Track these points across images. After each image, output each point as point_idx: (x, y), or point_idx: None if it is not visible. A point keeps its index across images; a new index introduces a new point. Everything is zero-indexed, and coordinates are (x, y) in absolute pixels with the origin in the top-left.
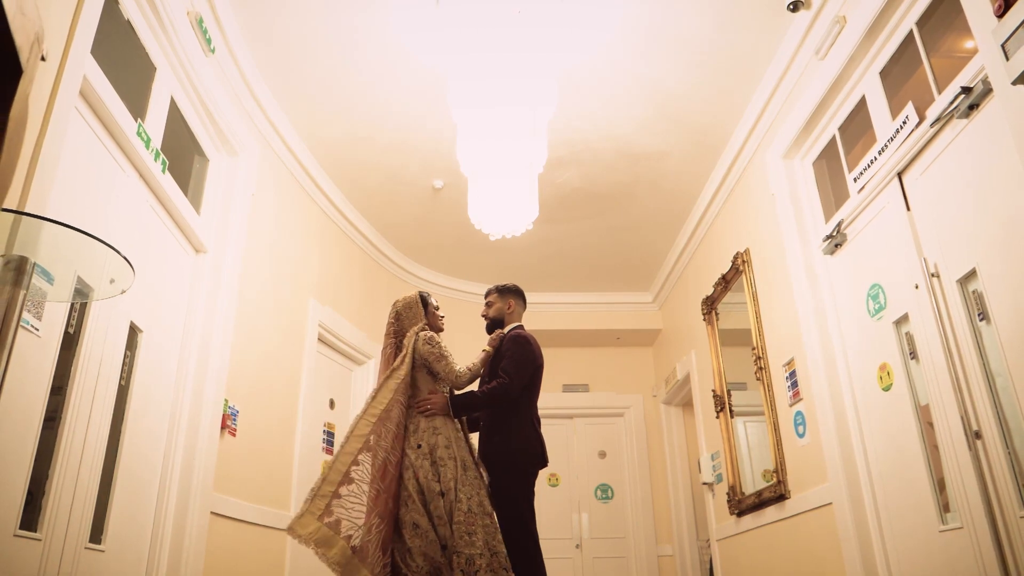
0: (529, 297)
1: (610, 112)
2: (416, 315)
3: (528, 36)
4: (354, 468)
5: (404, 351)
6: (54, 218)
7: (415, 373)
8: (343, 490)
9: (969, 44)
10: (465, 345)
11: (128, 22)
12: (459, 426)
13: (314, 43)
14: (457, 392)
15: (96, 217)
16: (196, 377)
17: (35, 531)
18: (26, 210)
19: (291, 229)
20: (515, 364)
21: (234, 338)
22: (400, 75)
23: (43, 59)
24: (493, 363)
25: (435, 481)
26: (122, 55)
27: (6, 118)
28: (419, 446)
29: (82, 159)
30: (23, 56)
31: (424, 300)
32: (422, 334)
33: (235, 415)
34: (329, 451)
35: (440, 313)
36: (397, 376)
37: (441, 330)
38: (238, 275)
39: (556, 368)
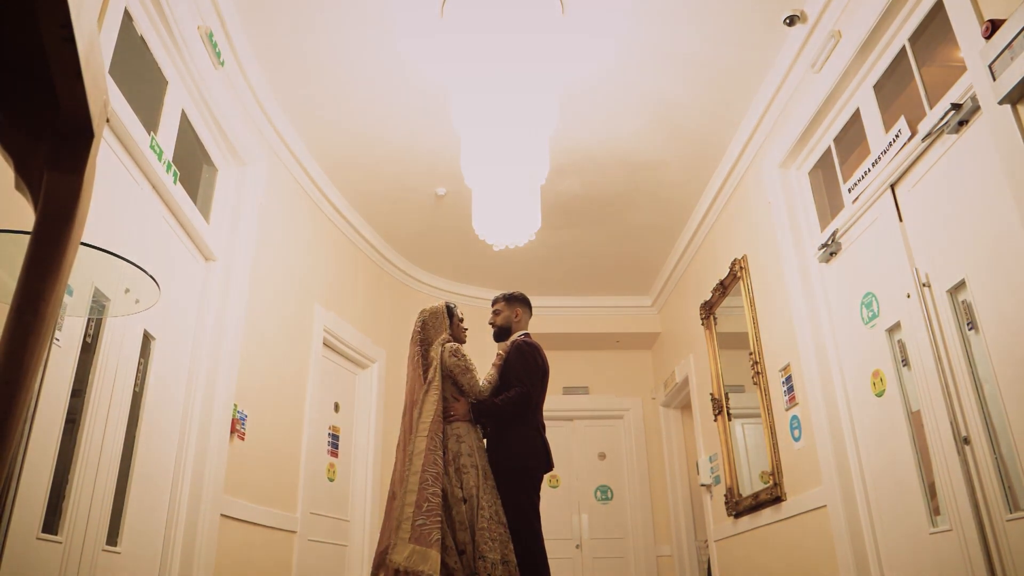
0: (530, 301)
1: (610, 122)
2: (441, 325)
3: (530, 49)
4: (423, 484)
5: (434, 363)
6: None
7: (441, 382)
8: (425, 505)
9: (960, 54)
10: (466, 348)
11: (141, 38)
12: (480, 434)
13: (320, 55)
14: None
15: (112, 229)
16: (207, 383)
17: (56, 534)
18: None
19: (297, 236)
20: (526, 372)
21: (243, 344)
22: (403, 86)
23: (108, 120)
24: (501, 370)
25: (458, 488)
26: (135, 70)
27: (82, 179)
28: (443, 453)
29: (99, 173)
30: (95, 122)
31: (450, 311)
32: (448, 346)
33: (244, 419)
34: (334, 453)
35: (464, 325)
36: (434, 388)
37: (463, 341)
38: (247, 282)
39: (556, 371)
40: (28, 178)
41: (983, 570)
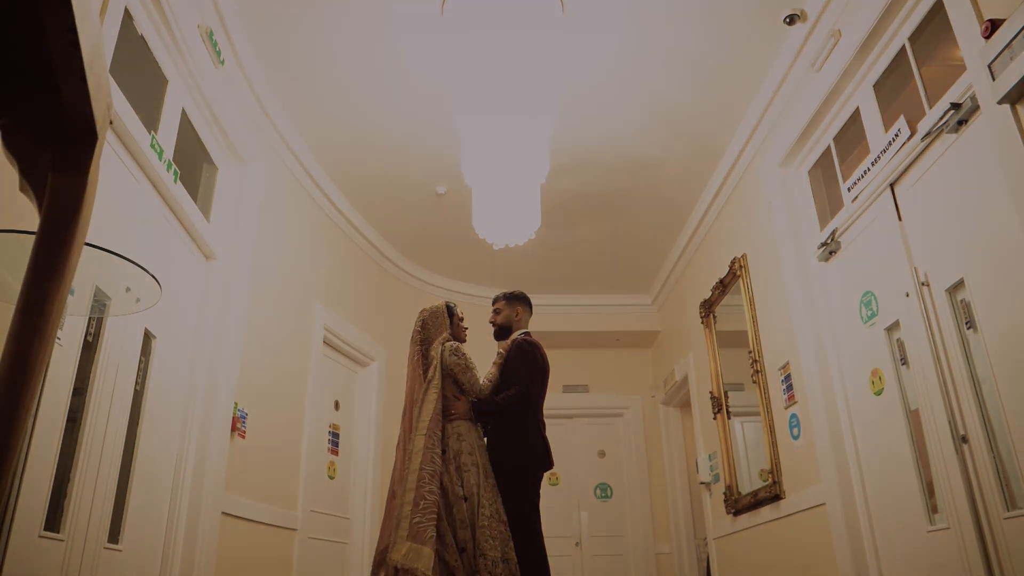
0: (531, 299)
1: (610, 121)
2: (441, 324)
3: (530, 48)
4: (420, 482)
5: (434, 363)
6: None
7: (441, 381)
8: (422, 503)
9: (960, 53)
10: (467, 347)
11: (141, 37)
12: (481, 433)
13: (320, 54)
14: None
15: (113, 228)
16: (207, 381)
17: (58, 532)
18: None
19: (298, 235)
20: (527, 371)
21: (243, 342)
22: (404, 85)
23: (111, 123)
24: (502, 369)
25: (459, 486)
26: (136, 69)
27: (86, 180)
28: (443, 451)
29: (101, 173)
30: (99, 125)
31: (450, 311)
32: (448, 345)
33: (244, 418)
34: (334, 451)
35: (464, 324)
36: (434, 387)
37: (464, 341)
38: (247, 280)
39: (556, 369)
40: (32, 180)
41: (980, 568)
